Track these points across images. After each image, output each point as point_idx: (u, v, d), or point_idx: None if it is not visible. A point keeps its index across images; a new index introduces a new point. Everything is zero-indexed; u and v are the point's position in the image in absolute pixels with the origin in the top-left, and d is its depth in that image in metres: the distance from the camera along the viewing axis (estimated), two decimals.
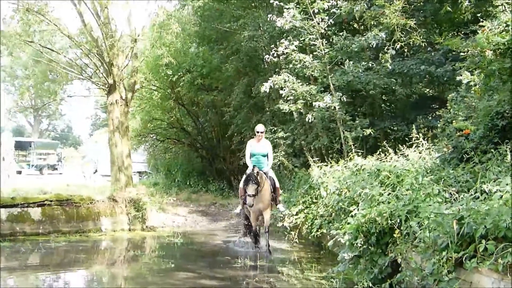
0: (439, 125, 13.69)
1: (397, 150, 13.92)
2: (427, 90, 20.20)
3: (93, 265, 12.75)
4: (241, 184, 14.17)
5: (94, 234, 16.14)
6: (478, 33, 10.25)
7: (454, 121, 12.35)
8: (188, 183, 28.95)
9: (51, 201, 16.01)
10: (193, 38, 27.30)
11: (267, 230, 13.91)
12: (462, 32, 15.93)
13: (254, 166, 13.59)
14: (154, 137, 32.51)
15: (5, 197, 15.46)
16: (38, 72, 27.31)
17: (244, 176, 13.89)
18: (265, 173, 13.94)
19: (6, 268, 11.63)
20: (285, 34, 18.05)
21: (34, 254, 13.11)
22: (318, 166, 16.64)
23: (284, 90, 17.18)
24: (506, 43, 9.10)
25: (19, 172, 44.09)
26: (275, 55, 17.79)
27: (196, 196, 25.18)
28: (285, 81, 17.20)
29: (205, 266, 12.24)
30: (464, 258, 6.82)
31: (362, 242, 9.62)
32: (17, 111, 75.67)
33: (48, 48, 20.61)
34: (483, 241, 6.60)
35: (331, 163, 16.31)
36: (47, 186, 18.97)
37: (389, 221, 9.11)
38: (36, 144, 50.54)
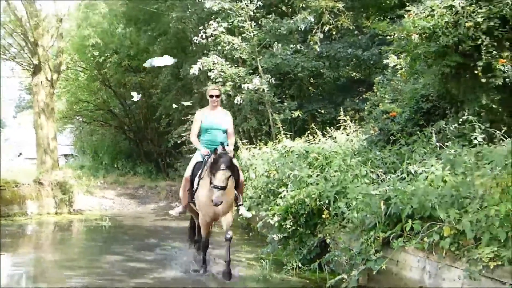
0: (366, 108, 13.85)
1: (325, 133, 14.05)
2: (354, 73, 20.42)
3: (20, 249, 12.48)
4: (187, 172, 9.63)
5: (20, 218, 15.83)
6: (404, 17, 10.38)
7: (380, 104, 12.53)
8: (115, 166, 28.70)
9: None
10: (120, 19, 26.83)
11: (229, 238, 9.03)
12: (389, 16, 16.08)
13: (214, 149, 8.62)
14: (81, 119, 32.02)
15: None
16: None
17: (193, 160, 9.65)
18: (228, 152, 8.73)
19: None
20: (213, 16, 17.92)
21: None
22: (246, 148, 16.68)
23: (213, 72, 17.11)
24: (431, 27, 9.26)
25: None
26: (203, 36, 17.68)
27: (123, 179, 24.94)
28: (214, 63, 17.14)
29: (134, 249, 12.12)
30: (391, 238, 6.97)
31: (291, 224, 9.71)
32: None
33: None
34: (410, 221, 6.76)
35: (259, 145, 16.37)
36: None
37: (318, 202, 9.23)
38: None
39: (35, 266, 10.98)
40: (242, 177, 9.75)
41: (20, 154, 44.82)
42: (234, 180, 8.89)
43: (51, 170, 18.48)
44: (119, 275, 9.50)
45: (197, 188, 9.15)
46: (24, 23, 18.96)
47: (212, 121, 9.43)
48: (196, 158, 9.57)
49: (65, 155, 36.78)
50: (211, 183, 8.40)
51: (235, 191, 9.25)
